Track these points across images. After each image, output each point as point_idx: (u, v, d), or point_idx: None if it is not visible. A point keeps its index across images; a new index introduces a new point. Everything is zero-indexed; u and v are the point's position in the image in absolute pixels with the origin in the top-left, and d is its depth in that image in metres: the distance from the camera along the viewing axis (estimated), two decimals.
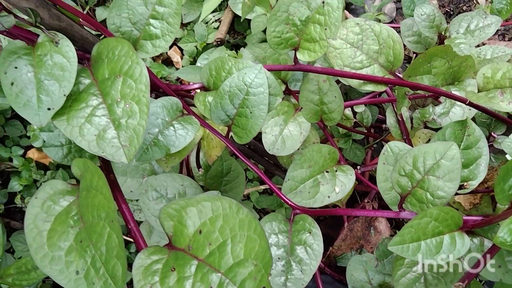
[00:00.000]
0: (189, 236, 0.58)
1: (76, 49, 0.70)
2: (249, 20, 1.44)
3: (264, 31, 1.46)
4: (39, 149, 1.44)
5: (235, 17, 1.52)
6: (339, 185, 0.95)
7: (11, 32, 0.69)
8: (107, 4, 1.58)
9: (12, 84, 0.67)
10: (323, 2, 0.84)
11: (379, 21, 1.55)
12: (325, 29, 0.84)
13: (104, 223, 0.60)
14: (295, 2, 0.85)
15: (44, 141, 1.37)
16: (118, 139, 0.66)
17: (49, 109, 0.66)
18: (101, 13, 1.56)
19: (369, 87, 0.97)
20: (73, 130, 0.66)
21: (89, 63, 0.74)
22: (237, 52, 1.50)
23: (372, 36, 0.97)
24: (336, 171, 0.97)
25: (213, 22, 1.50)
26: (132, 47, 0.71)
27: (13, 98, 0.66)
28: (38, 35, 0.71)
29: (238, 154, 0.87)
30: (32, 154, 1.45)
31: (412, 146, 1.22)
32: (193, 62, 1.51)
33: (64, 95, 0.66)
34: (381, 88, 0.97)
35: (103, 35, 0.79)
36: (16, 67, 0.67)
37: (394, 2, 1.63)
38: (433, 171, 0.72)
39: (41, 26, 0.69)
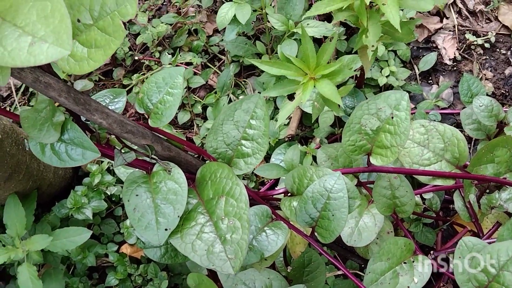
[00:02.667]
0: None
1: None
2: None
3: (332, 125, 1.56)
4: (132, 244, 1.56)
5: (303, 113, 1.63)
6: (417, 275, 1.01)
7: (131, 163, 0.81)
8: (186, 108, 1.73)
9: (134, 209, 0.78)
10: (392, 115, 0.93)
11: (438, 107, 1.63)
12: (396, 137, 0.93)
13: None
14: (366, 115, 0.95)
15: (138, 238, 1.49)
16: (225, 253, 0.75)
17: (166, 229, 0.77)
18: (182, 116, 1.70)
19: (438, 182, 1.04)
20: (186, 247, 0.76)
21: (193, 184, 0.85)
22: (306, 145, 1.60)
23: (437, 135, 1.05)
24: (413, 261, 1.03)
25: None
26: (232, 169, 0.82)
27: (136, 222, 0.77)
28: (152, 164, 0.83)
29: (323, 253, 0.95)
30: (125, 249, 1.57)
31: (481, 228, 1.26)
32: (267, 157, 1.61)
33: (178, 216, 0.77)
34: (449, 182, 1.04)
35: (202, 156, 0.90)
36: (137, 195, 0.79)
37: (451, 87, 1.70)
38: (507, 266, 0.78)
39: (155, 157, 0.81)
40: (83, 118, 0.77)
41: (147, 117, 0.82)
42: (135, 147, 0.82)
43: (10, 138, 1.12)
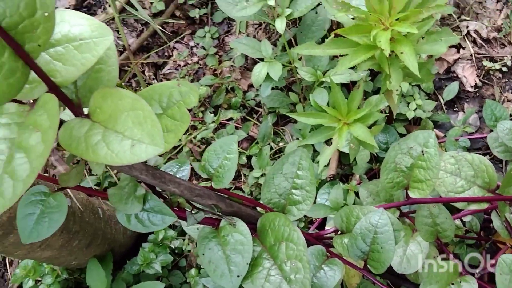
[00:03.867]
0: None
1: None
2: None
3: (369, 161, 1.65)
4: None
5: (341, 153, 1.72)
6: None
7: (201, 222, 0.91)
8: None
9: (209, 261, 0.88)
10: (422, 152, 1.02)
11: (467, 133, 1.70)
12: (428, 171, 1.01)
13: None
14: (400, 154, 1.04)
15: (204, 286, 1.59)
16: None
17: (238, 276, 0.86)
18: None
19: (473, 206, 1.11)
20: None
21: (255, 233, 0.95)
22: (347, 182, 1.69)
23: (466, 164, 1.12)
24: (460, 282, 1.09)
25: None
26: (287, 217, 0.91)
27: (212, 272, 0.87)
28: (218, 220, 0.93)
29: (377, 283, 1.03)
30: None
31: None
32: None
33: (247, 263, 0.87)
34: (483, 205, 1.11)
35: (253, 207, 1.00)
36: (209, 248, 0.89)
37: (476, 112, 1.77)
38: None
39: (220, 214, 0.91)
40: (158, 188, 0.88)
41: (210, 180, 0.93)
42: (201, 207, 0.93)
43: (88, 209, 1.24)
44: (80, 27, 0.57)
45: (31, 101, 0.59)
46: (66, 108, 0.62)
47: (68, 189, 1.15)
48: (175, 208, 0.92)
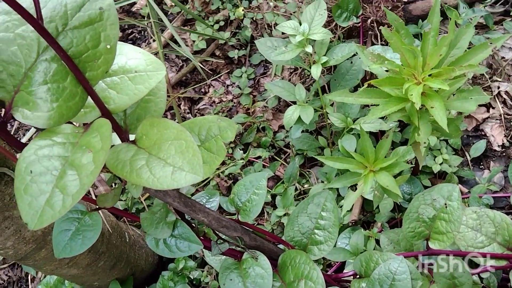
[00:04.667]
0: None
1: None
2: None
3: (391, 210, 1.66)
4: None
5: (364, 199, 1.73)
6: None
7: (224, 252, 0.94)
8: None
9: None
10: (445, 204, 1.03)
11: (491, 191, 1.70)
12: (450, 224, 1.02)
13: None
14: (423, 205, 1.06)
15: None
16: None
17: None
18: None
19: (492, 263, 1.11)
20: None
21: (276, 269, 0.97)
22: (369, 229, 1.70)
23: (488, 220, 1.13)
24: None
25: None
26: (308, 256, 0.93)
27: None
28: (241, 252, 0.95)
29: None
30: None
31: None
32: None
33: None
34: (502, 262, 1.11)
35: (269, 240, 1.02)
36: (231, 279, 0.91)
37: (501, 172, 1.78)
38: None
39: (244, 247, 0.94)
40: (187, 216, 0.91)
41: (236, 213, 0.96)
42: (226, 238, 0.96)
43: (116, 232, 1.28)
44: (137, 60, 0.62)
45: (82, 124, 0.63)
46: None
47: (99, 211, 1.19)
48: (201, 237, 0.95)
